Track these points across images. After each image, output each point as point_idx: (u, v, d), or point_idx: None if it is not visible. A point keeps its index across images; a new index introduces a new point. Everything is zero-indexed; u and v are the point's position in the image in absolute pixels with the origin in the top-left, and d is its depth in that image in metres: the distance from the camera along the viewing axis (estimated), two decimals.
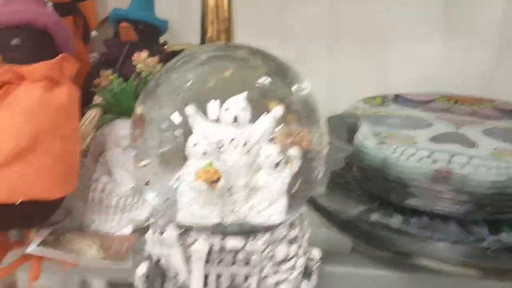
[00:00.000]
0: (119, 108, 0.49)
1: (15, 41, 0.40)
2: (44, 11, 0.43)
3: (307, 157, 0.36)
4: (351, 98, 0.64)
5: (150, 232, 0.36)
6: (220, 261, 0.33)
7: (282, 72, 0.37)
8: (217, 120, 0.35)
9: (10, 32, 0.40)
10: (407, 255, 0.37)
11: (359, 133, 0.49)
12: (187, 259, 0.33)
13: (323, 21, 0.74)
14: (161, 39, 0.63)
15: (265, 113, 0.34)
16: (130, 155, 0.45)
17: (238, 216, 0.34)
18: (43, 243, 0.43)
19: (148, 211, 0.50)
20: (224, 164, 0.35)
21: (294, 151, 0.35)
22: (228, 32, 0.60)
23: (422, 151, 0.47)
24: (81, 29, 0.67)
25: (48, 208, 0.43)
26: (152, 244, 0.36)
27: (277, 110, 0.36)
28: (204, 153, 0.34)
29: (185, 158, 0.34)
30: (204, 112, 0.34)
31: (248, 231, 0.34)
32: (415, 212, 0.43)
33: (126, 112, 0.47)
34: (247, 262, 0.33)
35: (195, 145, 0.34)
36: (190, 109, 0.34)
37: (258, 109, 0.35)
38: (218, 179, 0.34)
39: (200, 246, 0.32)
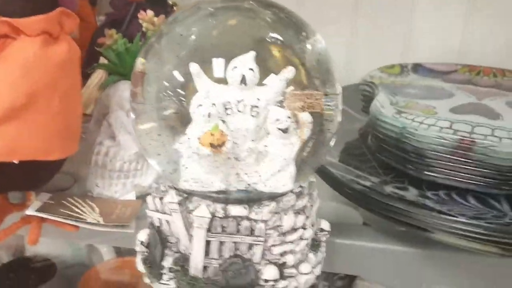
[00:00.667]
0: (123, 68, 0.46)
1: None
2: None
3: (319, 123, 0.33)
4: (371, 66, 0.61)
5: (150, 197, 0.34)
6: (223, 229, 0.30)
7: (295, 27, 0.33)
8: (224, 80, 0.32)
9: None
10: (423, 229, 0.34)
11: (376, 102, 0.46)
12: (189, 225, 0.30)
13: None
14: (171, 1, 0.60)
15: (273, 74, 0.31)
16: None
17: (244, 182, 0.31)
18: (43, 206, 0.41)
19: (153, 177, 0.48)
20: (231, 127, 0.32)
21: (305, 116, 0.32)
22: None
23: (443, 121, 0.43)
24: None
25: (48, 169, 0.41)
26: (153, 209, 0.33)
27: (289, 70, 0.32)
28: (209, 115, 0.31)
29: (189, 120, 0.32)
30: (209, 69, 0.31)
31: (254, 199, 0.31)
32: (432, 186, 0.40)
33: (130, 73, 0.44)
34: (251, 231, 0.30)
35: (199, 106, 0.31)
36: (194, 67, 0.31)
37: (267, 67, 0.32)
38: (223, 143, 0.31)
39: (202, 212, 0.30)
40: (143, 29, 0.48)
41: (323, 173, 0.41)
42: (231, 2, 0.33)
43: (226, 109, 0.32)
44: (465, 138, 0.38)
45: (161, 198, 0.33)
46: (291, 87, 0.32)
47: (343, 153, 0.47)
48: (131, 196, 0.46)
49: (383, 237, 0.39)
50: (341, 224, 0.40)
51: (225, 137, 0.31)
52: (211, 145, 0.31)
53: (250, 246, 0.31)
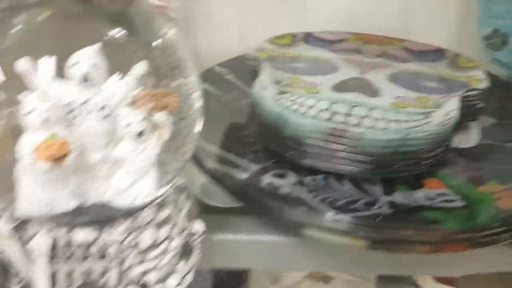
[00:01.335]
0: None
1: None
2: None
3: (178, 118, 0.30)
4: (264, 37, 0.57)
5: None
6: (69, 256, 0.27)
7: (140, 19, 0.29)
8: (61, 78, 0.27)
9: None
10: (294, 225, 0.33)
11: (257, 82, 0.43)
12: (28, 255, 0.26)
13: None
14: None
15: (119, 72, 0.27)
16: None
17: (96, 198, 0.28)
18: None
19: None
20: (76, 134, 0.28)
21: (161, 116, 0.29)
22: None
23: (322, 102, 0.42)
24: None
25: None
26: None
27: (139, 68, 0.28)
28: (45, 122, 0.26)
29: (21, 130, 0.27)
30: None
31: (107, 217, 0.28)
32: (311, 170, 0.39)
33: None
34: (103, 254, 0.27)
35: (30, 112, 0.26)
36: (22, 63, 0.26)
37: (115, 64, 0.28)
38: (65, 155, 0.27)
39: (41, 240, 0.26)
40: None
41: (198, 164, 0.38)
42: None
43: (69, 112, 0.28)
44: (338, 126, 0.36)
45: None
46: (141, 87, 0.28)
47: (226, 136, 0.44)
48: None
49: (263, 228, 0.37)
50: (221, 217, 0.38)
51: (67, 147, 0.27)
52: (50, 157, 0.26)
53: (104, 271, 0.27)
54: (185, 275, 0.31)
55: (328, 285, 0.64)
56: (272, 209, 0.33)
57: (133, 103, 0.28)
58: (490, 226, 0.32)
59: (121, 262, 0.27)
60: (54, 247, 0.26)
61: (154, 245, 0.28)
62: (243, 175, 0.37)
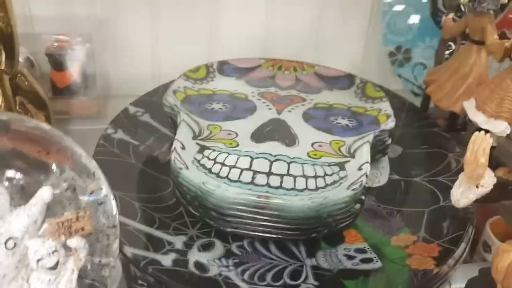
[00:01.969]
0: None
1: None
2: None
3: (94, 236, 0.28)
4: (178, 69, 0.55)
5: None
6: None
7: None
8: None
9: None
10: None
11: (173, 152, 0.40)
12: None
13: None
14: None
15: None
16: None
17: None
18: None
19: None
20: None
21: (75, 242, 0.26)
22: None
23: (243, 159, 0.41)
24: None
25: None
26: None
27: (43, 193, 0.26)
28: None
29: None
30: None
31: None
32: (237, 237, 0.38)
33: None
34: None
35: None
36: None
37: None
38: None
39: None
40: None
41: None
42: None
43: None
44: (260, 198, 0.36)
45: None
46: (50, 218, 0.26)
47: (150, 203, 0.42)
48: None
49: None
50: None
51: None
52: None
53: None
54: None
55: None
56: None
57: (43, 235, 0.25)
58: None
59: None
60: None
61: None
62: (167, 258, 0.35)
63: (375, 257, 0.37)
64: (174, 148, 0.40)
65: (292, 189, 0.38)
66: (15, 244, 0.25)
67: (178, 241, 0.38)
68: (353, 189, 0.37)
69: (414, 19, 0.64)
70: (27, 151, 0.26)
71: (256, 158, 0.41)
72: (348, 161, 0.42)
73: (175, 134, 0.45)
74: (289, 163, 0.41)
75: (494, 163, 0.35)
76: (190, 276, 0.34)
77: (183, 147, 0.42)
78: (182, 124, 0.44)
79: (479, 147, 0.28)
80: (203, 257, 0.36)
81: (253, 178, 0.39)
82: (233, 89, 0.53)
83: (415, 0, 0.63)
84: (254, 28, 0.64)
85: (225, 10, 0.62)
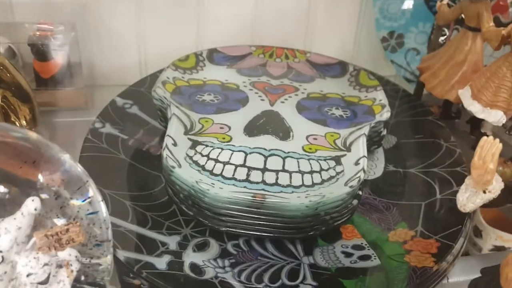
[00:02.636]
0: None
1: None
2: None
3: (88, 247, 0.26)
4: (165, 59, 0.52)
5: None
6: None
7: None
8: None
9: None
10: None
11: (165, 149, 0.38)
12: None
13: None
14: None
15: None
16: None
17: None
18: None
19: None
20: None
21: (66, 254, 0.25)
22: None
23: (236, 154, 0.39)
24: None
25: None
26: None
27: (30, 204, 0.24)
28: None
29: None
30: None
31: None
32: (232, 235, 0.37)
33: None
34: None
35: None
36: None
37: None
38: None
39: None
40: None
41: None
42: None
43: None
44: (256, 197, 0.35)
45: None
46: (40, 230, 0.24)
47: (142, 201, 0.40)
48: None
49: None
50: None
51: None
52: None
53: None
54: None
55: None
56: None
57: (32, 248, 0.24)
58: None
59: None
60: None
61: None
62: (161, 261, 0.34)
63: (373, 254, 0.36)
64: (166, 145, 0.39)
65: (288, 185, 0.37)
66: (2, 258, 0.24)
67: (172, 242, 0.36)
68: (350, 186, 0.36)
69: (407, 3, 0.62)
70: (12, 163, 0.24)
71: (251, 153, 0.40)
72: (344, 155, 0.41)
73: (165, 127, 0.44)
74: (284, 158, 0.40)
75: None
76: (185, 279, 0.33)
77: (174, 144, 0.40)
78: (173, 118, 0.43)
79: (487, 152, 0.27)
80: (199, 258, 0.35)
81: (248, 175, 0.38)
82: (224, 79, 0.51)
83: None
84: (243, 14, 0.61)
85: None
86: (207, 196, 0.35)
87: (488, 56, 0.53)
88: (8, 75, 0.50)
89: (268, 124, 0.44)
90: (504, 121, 0.44)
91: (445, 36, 0.58)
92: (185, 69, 0.52)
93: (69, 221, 0.24)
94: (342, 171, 0.39)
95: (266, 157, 0.40)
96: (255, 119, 0.45)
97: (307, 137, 0.43)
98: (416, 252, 0.36)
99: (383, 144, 0.48)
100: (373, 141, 0.46)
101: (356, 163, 0.39)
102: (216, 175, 0.38)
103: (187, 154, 0.39)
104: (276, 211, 0.35)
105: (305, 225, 0.36)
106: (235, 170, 0.38)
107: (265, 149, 0.40)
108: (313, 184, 0.37)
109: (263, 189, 0.36)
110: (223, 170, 0.38)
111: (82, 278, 0.26)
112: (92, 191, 0.26)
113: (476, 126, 0.53)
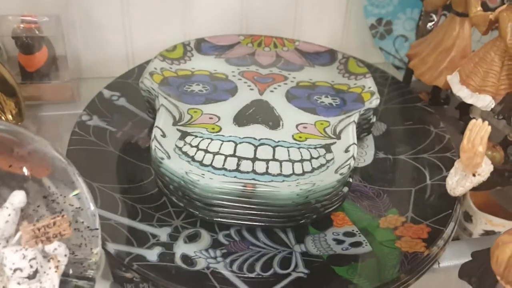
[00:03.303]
0: None
1: None
2: None
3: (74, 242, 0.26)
4: (153, 49, 0.52)
5: None
6: None
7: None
8: None
9: None
10: None
11: (154, 141, 0.38)
12: None
13: None
14: None
15: None
16: None
17: None
18: None
19: None
20: None
21: (53, 248, 0.24)
22: None
23: (226, 145, 0.39)
24: None
25: None
26: None
27: (16, 197, 0.23)
28: None
29: None
30: None
31: None
32: (224, 226, 0.37)
33: None
34: None
35: None
36: None
37: None
38: None
39: None
40: None
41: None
42: None
43: None
44: (246, 187, 0.34)
45: None
46: (25, 222, 0.23)
47: (132, 194, 0.40)
48: None
49: None
50: None
51: None
52: None
53: None
54: None
55: None
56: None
57: (19, 242, 0.23)
58: (398, 279, 0.33)
59: None
60: None
61: None
62: (151, 252, 0.34)
63: (364, 241, 0.36)
64: (154, 136, 0.38)
65: (278, 174, 0.37)
66: None
67: (163, 233, 0.36)
68: (341, 173, 0.36)
69: None
70: None
71: (240, 143, 0.40)
72: (334, 142, 0.40)
73: (153, 118, 0.43)
74: (274, 147, 0.39)
75: None
76: (177, 270, 0.32)
77: (163, 135, 0.39)
78: (161, 110, 0.42)
79: (476, 135, 0.27)
80: (190, 249, 0.35)
81: (238, 165, 0.37)
82: (212, 69, 0.51)
83: None
84: (231, 3, 0.60)
85: None
86: (197, 187, 0.35)
87: (476, 41, 0.53)
88: None
89: (257, 114, 0.43)
90: (492, 106, 0.44)
91: (433, 22, 0.58)
92: (173, 60, 0.51)
93: (56, 214, 0.24)
94: (332, 159, 0.39)
95: (256, 147, 0.39)
96: (245, 108, 0.44)
97: (297, 126, 0.42)
98: (407, 238, 0.36)
99: (372, 131, 0.48)
100: (363, 129, 0.46)
101: (346, 151, 0.39)
102: (206, 165, 0.37)
103: (176, 145, 0.39)
104: (266, 200, 0.35)
105: (296, 213, 0.36)
106: (225, 160, 0.38)
107: (255, 138, 0.40)
108: (304, 173, 0.37)
109: (253, 179, 0.36)
110: (213, 160, 0.38)
111: (71, 271, 0.26)
112: (79, 184, 0.26)
113: (465, 111, 0.53)
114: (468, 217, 0.45)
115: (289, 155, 0.39)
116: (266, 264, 0.34)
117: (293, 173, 0.37)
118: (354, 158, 0.38)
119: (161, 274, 0.32)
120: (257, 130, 0.41)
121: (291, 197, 0.35)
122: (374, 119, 0.46)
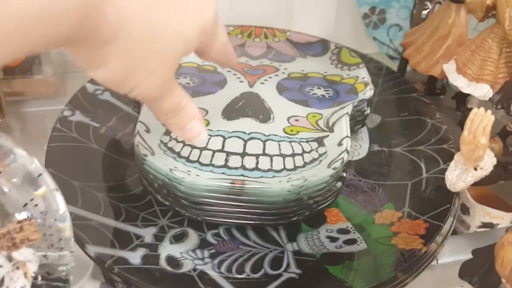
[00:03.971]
0: None
1: None
2: None
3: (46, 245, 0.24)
4: None
5: None
6: None
7: None
8: None
9: None
10: None
11: (137, 136, 0.36)
12: None
13: None
14: None
15: None
16: None
17: None
18: None
19: None
20: None
21: (20, 255, 0.22)
22: None
23: (214, 139, 0.37)
24: None
25: None
26: None
27: None
28: None
29: None
30: None
31: None
32: (212, 224, 0.35)
33: None
34: None
35: None
36: None
37: None
38: None
39: None
40: None
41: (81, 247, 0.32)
42: None
43: None
44: (235, 183, 0.32)
45: None
46: None
47: (115, 193, 0.37)
48: None
49: None
50: None
51: None
52: None
53: None
54: None
55: None
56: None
57: None
58: (395, 278, 0.31)
59: None
60: None
61: None
62: (137, 256, 0.31)
63: (359, 238, 0.34)
64: (138, 132, 0.36)
65: (269, 170, 0.35)
66: None
67: (148, 234, 0.34)
68: (334, 168, 0.34)
69: None
70: None
71: (229, 137, 0.37)
72: (327, 135, 0.38)
73: (139, 113, 0.41)
74: (264, 142, 0.37)
75: None
76: (161, 273, 0.30)
77: (147, 130, 0.37)
78: (144, 108, 0.40)
79: (478, 126, 0.25)
80: (176, 250, 0.33)
81: (226, 160, 0.35)
82: (200, 61, 0.48)
83: None
84: None
85: None
86: (182, 185, 0.33)
87: (472, 29, 0.51)
88: None
89: (247, 107, 0.41)
90: (490, 95, 0.42)
91: (428, 10, 0.55)
92: None
93: (23, 219, 0.22)
94: (325, 152, 0.37)
95: (245, 141, 0.37)
96: (234, 101, 0.42)
97: (288, 119, 0.40)
98: (404, 234, 0.34)
99: (367, 123, 0.46)
100: (357, 121, 0.44)
101: (339, 144, 0.37)
102: (192, 161, 0.35)
103: (161, 141, 0.37)
104: (256, 197, 0.33)
105: (287, 210, 0.34)
106: (212, 155, 0.36)
107: (244, 132, 0.38)
108: (295, 168, 0.35)
109: (242, 175, 0.34)
110: (200, 156, 0.36)
111: (43, 275, 0.24)
112: (48, 183, 0.24)
113: (462, 101, 0.51)
114: (465, 210, 0.43)
115: (280, 150, 0.37)
116: (256, 265, 0.32)
117: (284, 168, 0.35)
118: (347, 152, 0.36)
119: (143, 278, 0.30)
120: (247, 124, 0.39)
121: (281, 194, 0.33)
122: (368, 111, 0.44)
